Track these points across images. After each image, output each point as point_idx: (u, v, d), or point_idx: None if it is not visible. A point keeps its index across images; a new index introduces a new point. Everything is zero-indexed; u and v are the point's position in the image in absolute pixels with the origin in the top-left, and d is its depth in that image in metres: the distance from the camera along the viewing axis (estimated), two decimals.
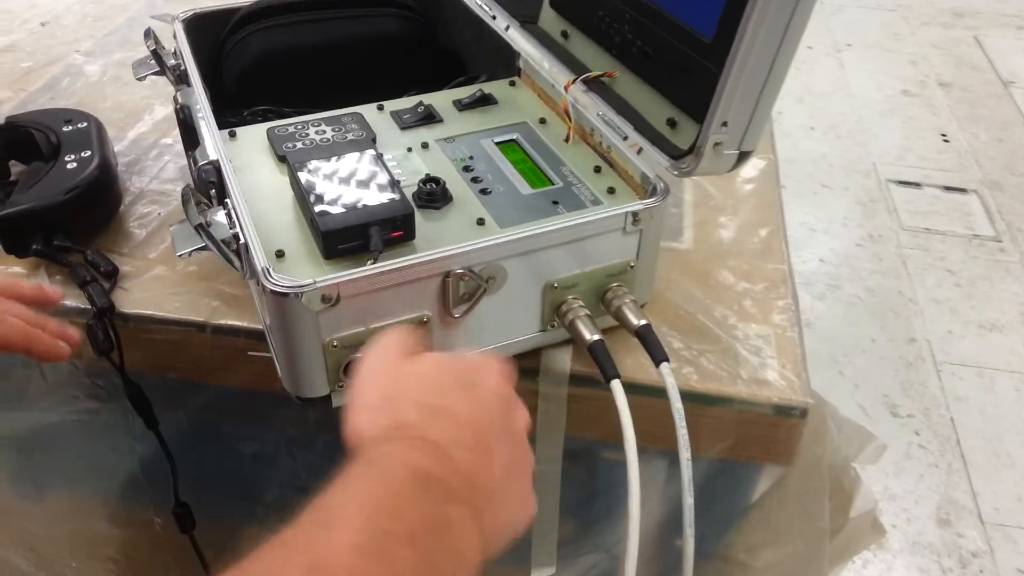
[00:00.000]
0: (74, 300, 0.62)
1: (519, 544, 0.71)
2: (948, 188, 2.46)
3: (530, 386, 0.59)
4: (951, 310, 2.04)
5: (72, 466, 0.77)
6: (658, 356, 0.52)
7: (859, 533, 0.72)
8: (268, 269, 0.48)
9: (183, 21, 0.73)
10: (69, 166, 0.67)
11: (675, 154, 0.54)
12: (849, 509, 0.70)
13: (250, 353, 0.59)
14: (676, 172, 0.53)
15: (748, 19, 0.47)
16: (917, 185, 2.46)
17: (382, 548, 0.32)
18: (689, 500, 0.51)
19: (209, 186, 0.55)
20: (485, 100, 0.67)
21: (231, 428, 0.72)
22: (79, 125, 0.72)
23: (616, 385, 0.51)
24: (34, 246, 0.64)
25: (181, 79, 0.67)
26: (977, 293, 2.08)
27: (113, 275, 0.65)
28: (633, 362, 0.57)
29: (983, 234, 2.28)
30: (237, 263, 0.52)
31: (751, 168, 0.77)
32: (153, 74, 0.69)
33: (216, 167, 0.55)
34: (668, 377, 0.51)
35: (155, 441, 0.71)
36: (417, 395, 0.40)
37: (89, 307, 0.61)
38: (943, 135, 2.69)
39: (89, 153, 0.69)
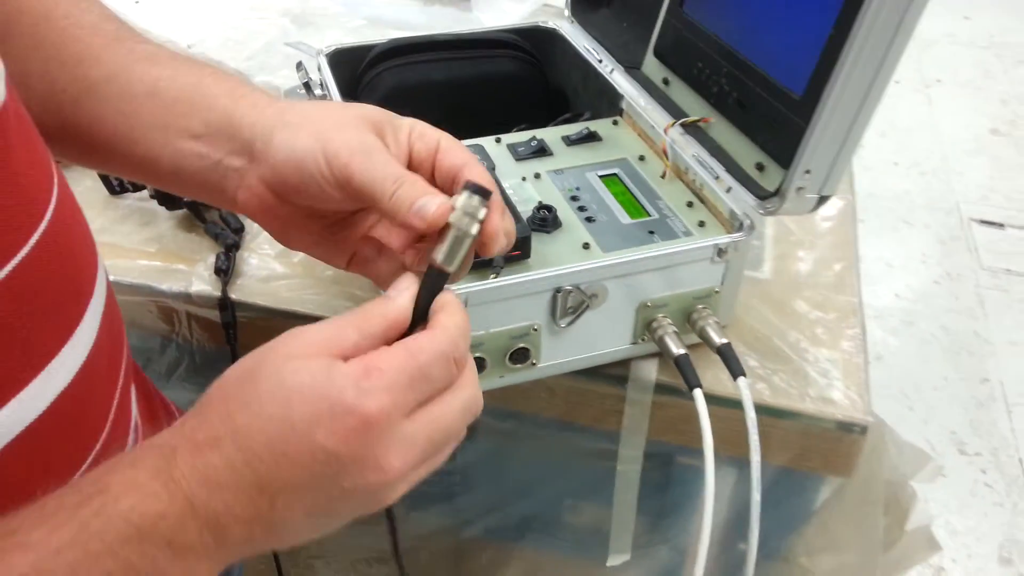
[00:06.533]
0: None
1: (598, 534, 0.79)
2: None
3: (619, 392, 0.67)
4: None
5: None
6: (736, 371, 0.60)
7: (914, 547, 0.78)
8: None
9: (327, 55, 0.83)
10: None
11: (761, 195, 0.61)
12: (905, 523, 0.75)
13: None
14: (762, 211, 0.61)
15: (835, 80, 0.54)
16: (1000, 225, 2.46)
17: None
18: (756, 497, 0.58)
19: None
20: (590, 137, 0.75)
21: None
22: None
23: (698, 393, 0.59)
24: (185, 199, 0.78)
25: None
26: None
27: (240, 231, 0.78)
28: (712, 376, 0.65)
29: None
30: None
31: (830, 207, 0.84)
32: None
33: None
34: (744, 389, 0.59)
35: None
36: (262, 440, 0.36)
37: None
38: None
39: None
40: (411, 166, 0.45)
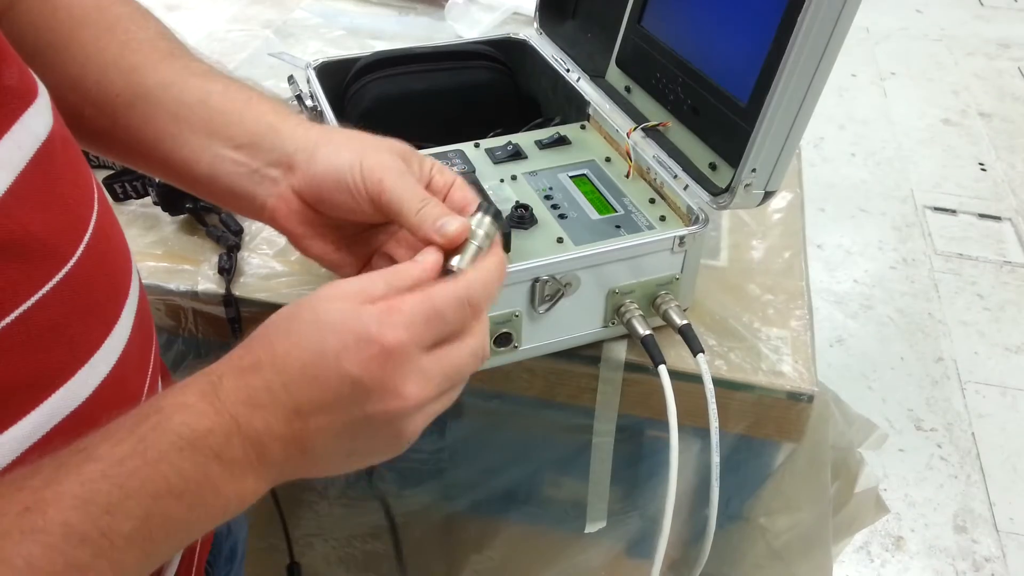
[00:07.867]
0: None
1: (577, 507, 0.86)
2: (982, 215, 2.56)
3: (592, 371, 0.75)
4: (978, 332, 2.15)
5: None
6: (696, 348, 0.67)
7: (863, 508, 0.86)
8: None
9: (315, 68, 0.89)
10: None
11: (714, 191, 0.69)
12: (854, 486, 0.84)
13: None
14: (715, 206, 0.68)
15: (775, 90, 0.62)
16: (952, 212, 2.57)
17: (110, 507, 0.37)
18: (716, 459, 0.65)
19: None
20: (561, 141, 0.82)
21: None
22: None
23: (662, 369, 0.66)
24: (187, 204, 0.84)
25: (317, 117, 0.84)
26: (1005, 317, 2.19)
27: (239, 233, 0.84)
28: (676, 355, 0.72)
29: (1014, 260, 2.38)
30: None
31: (780, 200, 0.92)
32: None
33: None
34: (703, 364, 0.66)
35: None
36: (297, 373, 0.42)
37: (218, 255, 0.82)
38: (981, 164, 2.79)
39: None
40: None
